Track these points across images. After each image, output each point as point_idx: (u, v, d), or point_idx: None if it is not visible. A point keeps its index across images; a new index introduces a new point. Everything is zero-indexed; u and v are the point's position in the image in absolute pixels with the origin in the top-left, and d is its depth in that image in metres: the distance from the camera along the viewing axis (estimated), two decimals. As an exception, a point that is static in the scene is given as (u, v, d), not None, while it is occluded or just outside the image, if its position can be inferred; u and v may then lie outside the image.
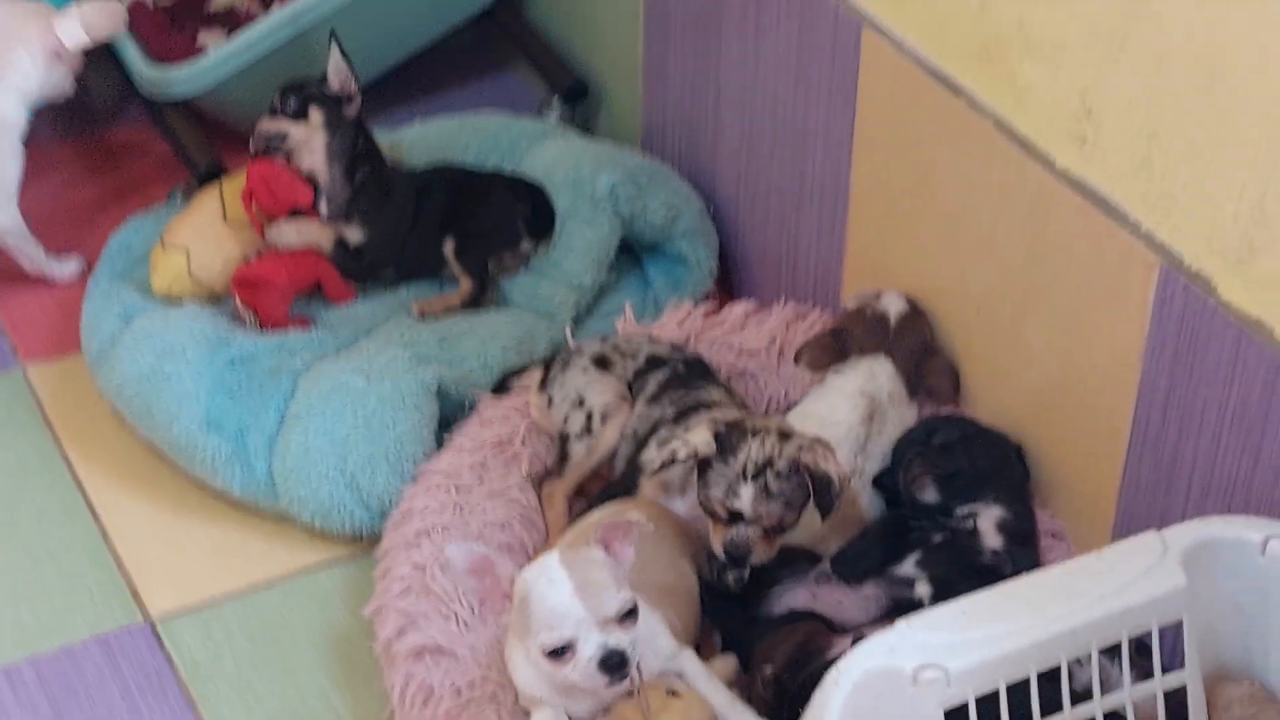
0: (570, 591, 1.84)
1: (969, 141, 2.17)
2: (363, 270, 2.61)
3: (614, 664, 1.84)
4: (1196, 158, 1.88)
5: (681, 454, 2.07)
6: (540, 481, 2.27)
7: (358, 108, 2.57)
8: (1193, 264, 1.91)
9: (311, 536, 2.36)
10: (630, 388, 2.28)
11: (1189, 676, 1.83)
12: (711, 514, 2.08)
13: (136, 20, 2.88)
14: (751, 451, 2.05)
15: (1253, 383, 1.86)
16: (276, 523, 2.38)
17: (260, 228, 2.58)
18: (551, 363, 2.35)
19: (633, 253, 2.69)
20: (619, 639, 1.85)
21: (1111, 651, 1.82)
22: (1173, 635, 1.82)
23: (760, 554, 2.08)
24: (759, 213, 2.62)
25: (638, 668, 1.89)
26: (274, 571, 2.33)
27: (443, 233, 2.59)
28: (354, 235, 2.58)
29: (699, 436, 2.08)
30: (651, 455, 2.19)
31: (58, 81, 2.66)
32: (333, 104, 2.57)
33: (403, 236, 2.59)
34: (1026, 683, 1.73)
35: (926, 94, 2.22)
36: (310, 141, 2.57)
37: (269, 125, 2.57)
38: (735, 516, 2.06)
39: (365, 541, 2.33)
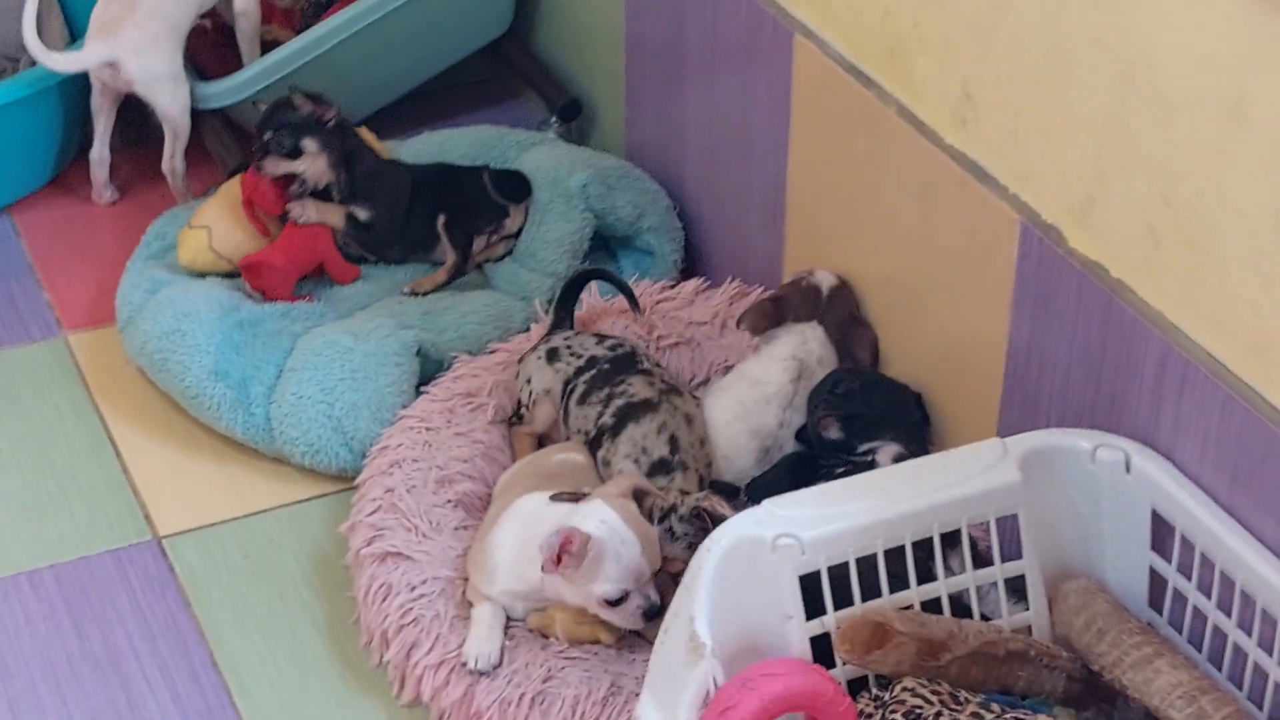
0: (640, 552, 2.18)
1: (877, 129, 2.48)
2: (374, 244, 2.94)
3: (654, 613, 2.18)
4: (1050, 130, 2.19)
5: None
6: (508, 423, 2.58)
7: (335, 114, 2.89)
8: (1047, 218, 2.21)
9: (303, 474, 2.67)
10: (566, 384, 2.54)
11: (1027, 566, 2.10)
12: None
13: (193, 44, 3.23)
14: (656, 500, 2.29)
15: (1092, 319, 2.15)
16: (273, 463, 2.69)
17: (264, 228, 2.91)
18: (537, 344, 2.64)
19: (608, 246, 3.02)
20: (654, 592, 2.20)
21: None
22: (1014, 531, 2.11)
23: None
24: (716, 209, 2.94)
25: None
26: (268, 503, 2.64)
27: (435, 211, 2.92)
28: (362, 213, 2.92)
29: None
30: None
31: None
32: (315, 126, 2.88)
33: (403, 214, 2.92)
34: (875, 559, 2.02)
35: (845, 89, 2.53)
36: (316, 167, 2.89)
37: (274, 167, 2.87)
38: None
39: (349, 480, 2.63)
